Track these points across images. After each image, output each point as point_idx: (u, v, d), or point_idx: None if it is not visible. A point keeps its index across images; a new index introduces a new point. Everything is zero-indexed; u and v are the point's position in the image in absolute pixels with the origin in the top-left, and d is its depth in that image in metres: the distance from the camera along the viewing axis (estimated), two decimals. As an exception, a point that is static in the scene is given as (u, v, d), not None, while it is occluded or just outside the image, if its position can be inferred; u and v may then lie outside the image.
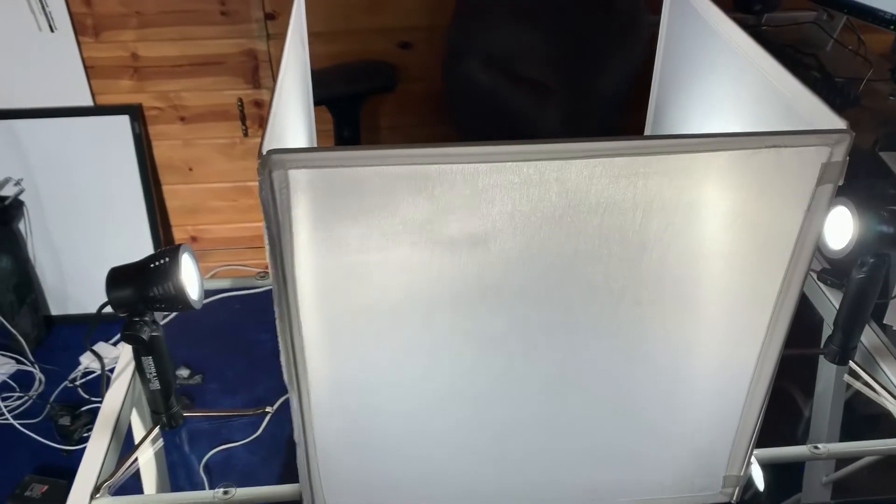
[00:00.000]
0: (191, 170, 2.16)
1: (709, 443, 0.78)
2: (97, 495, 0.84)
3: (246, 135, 2.11)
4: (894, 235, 0.87)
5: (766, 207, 0.63)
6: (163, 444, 0.92)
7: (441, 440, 0.74)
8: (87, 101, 2.00)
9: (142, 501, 0.85)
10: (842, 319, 0.98)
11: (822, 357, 1.03)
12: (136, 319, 0.83)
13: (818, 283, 1.13)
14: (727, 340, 0.70)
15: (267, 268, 0.62)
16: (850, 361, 1.00)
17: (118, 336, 1.06)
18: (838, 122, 0.61)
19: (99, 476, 0.87)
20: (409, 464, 0.75)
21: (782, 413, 1.09)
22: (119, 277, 0.80)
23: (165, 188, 2.17)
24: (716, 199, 0.62)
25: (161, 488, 0.98)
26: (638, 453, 0.78)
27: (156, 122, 2.08)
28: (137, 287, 0.80)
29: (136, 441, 0.94)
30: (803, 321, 1.15)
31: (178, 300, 0.80)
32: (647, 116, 1.08)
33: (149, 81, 2.02)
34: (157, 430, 0.91)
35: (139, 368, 0.86)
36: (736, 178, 0.61)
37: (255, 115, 2.09)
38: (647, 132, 1.10)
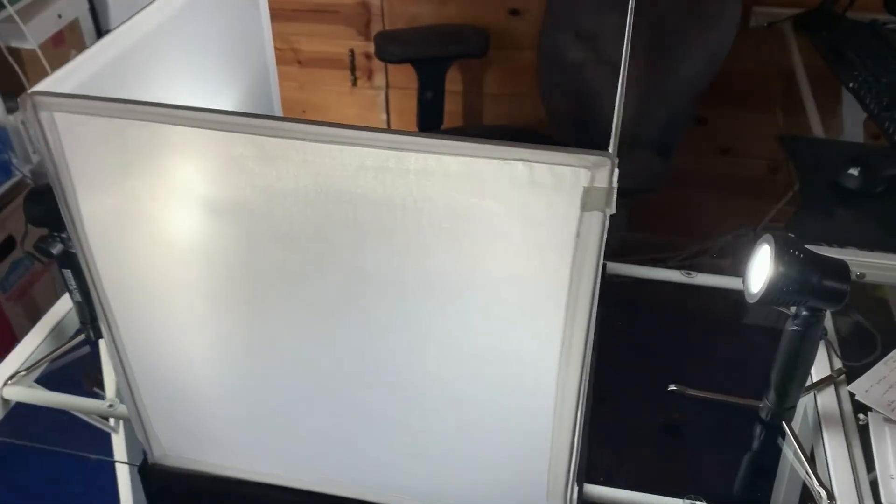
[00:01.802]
0: (304, 112, 2.27)
1: (523, 465, 0.73)
2: (10, 381, 0.95)
3: (354, 85, 2.18)
4: (813, 285, 0.75)
5: (535, 225, 0.57)
6: (88, 350, 1.02)
7: (236, 408, 0.76)
8: (217, 35, 2.17)
9: (43, 397, 0.95)
10: (774, 376, 0.86)
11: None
12: (55, 234, 0.91)
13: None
14: (516, 360, 0.65)
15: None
16: (785, 423, 0.88)
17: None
18: (610, 146, 0.54)
19: (21, 366, 0.98)
20: (214, 425, 0.78)
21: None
22: (34, 193, 0.89)
23: (280, 125, 2.30)
24: (471, 206, 0.57)
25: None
26: (449, 459, 0.75)
27: (277, 63, 2.20)
28: (49, 203, 0.88)
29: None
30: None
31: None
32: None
33: (273, 23, 2.14)
34: (81, 337, 1.01)
35: (62, 279, 0.95)
36: (490, 189, 0.56)
37: (364, 67, 2.15)
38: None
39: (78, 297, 0.96)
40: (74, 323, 1.06)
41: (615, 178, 0.53)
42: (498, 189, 0.56)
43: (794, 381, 0.85)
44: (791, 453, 0.87)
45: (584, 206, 0.55)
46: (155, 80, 0.78)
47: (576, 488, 0.73)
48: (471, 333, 0.64)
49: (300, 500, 0.81)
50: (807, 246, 1.15)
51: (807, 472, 0.84)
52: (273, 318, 0.69)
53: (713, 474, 0.92)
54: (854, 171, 1.22)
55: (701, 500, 0.81)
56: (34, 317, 2.08)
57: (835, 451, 0.85)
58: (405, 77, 2.12)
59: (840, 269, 0.76)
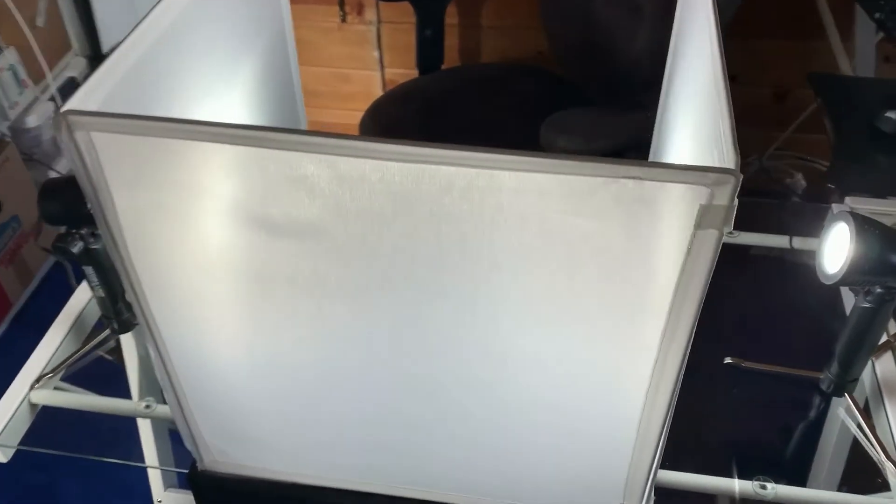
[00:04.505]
0: (292, 50, 2.16)
1: (601, 469, 0.70)
2: (37, 385, 0.90)
3: (344, 21, 2.07)
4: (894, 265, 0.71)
5: (638, 242, 0.52)
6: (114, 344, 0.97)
7: (288, 417, 0.72)
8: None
9: (74, 400, 0.90)
10: (840, 349, 0.83)
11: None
12: (73, 232, 0.85)
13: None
14: (604, 377, 0.62)
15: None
16: (847, 395, 0.86)
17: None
18: (730, 159, 0.49)
19: (46, 367, 0.92)
20: (266, 432, 0.74)
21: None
22: (49, 191, 0.82)
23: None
24: (567, 224, 0.52)
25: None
26: (519, 465, 0.72)
27: (260, -1, 2.08)
28: (67, 202, 0.81)
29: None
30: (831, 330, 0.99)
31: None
32: (661, 96, 0.94)
33: (253, -44, 2.00)
34: (106, 333, 0.95)
35: (84, 275, 0.89)
36: (590, 206, 0.51)
37: (353, 2, 2.04)
38: (658, 112, 0.96)
39: (101, 292, 0.90)
40: (92, 317, 1.01)
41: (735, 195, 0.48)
42: (599, 206, 0.51)
43: (860, 354, 0.83)
44: (854, 426, 0.86)
45: (699, 225, 0.50)
46: (180, 68, 0.70)
47: (653, 492, 0.71)
48: (559, 349, 0.60)
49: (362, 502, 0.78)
50: (847, 197, 1.12)
51: (873, 447, 0.83)
52: (335, 331, 0.64)
53: (771, 449, 0.90)
54: (892, 115, 1.17)
55: (770, 482, 0.80)
56: (25, 279, 2.01)
57: (900, 423, 0.84)
58: (397, 11, 2.02)
59: (922, 248, 0.72)
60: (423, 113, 1.65)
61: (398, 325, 0.62)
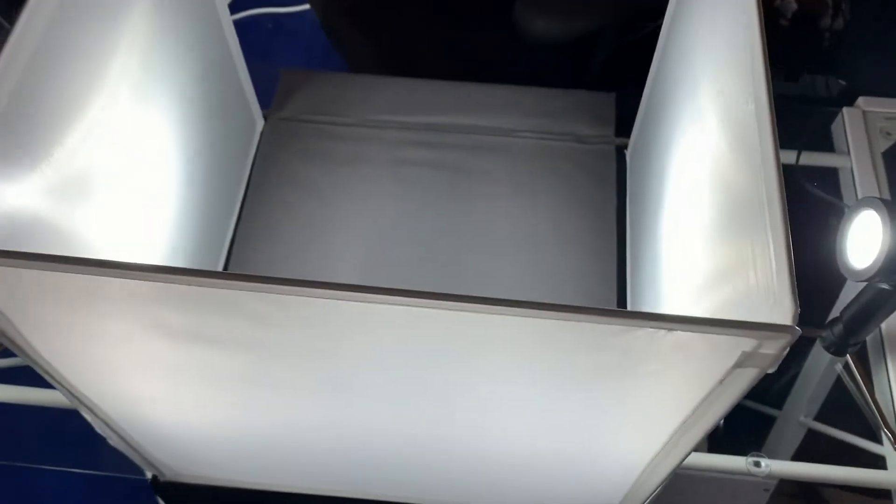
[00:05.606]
0: None
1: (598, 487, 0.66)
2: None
3: None
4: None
5: (660, 376, 0.43)
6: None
7: (259, 459, 0.66)
8: None
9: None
10: (848, 316, 0.77)
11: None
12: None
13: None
14: (608, 456, 0.55)
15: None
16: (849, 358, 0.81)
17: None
18: (786, 310, 0.38)
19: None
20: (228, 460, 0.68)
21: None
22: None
23: None
24: (570, 361, 0.43)
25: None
26: (509, 480, 0.68)
27: None
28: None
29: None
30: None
31: None
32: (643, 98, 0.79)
33: None
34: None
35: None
36: (605, 345, 0.41)
37: None
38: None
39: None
40: None
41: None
42: (619, 345, 0.41)
43: (869, 325, 0.76)
44: (853, 388, 0.82)
45: (739, 365, 0.41)
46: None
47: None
48: (560, 442, 0.53)
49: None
50: (860, 97, 1.00)
51: (872, 414, 0.79)
52: (299, 405, 0.56)
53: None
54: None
55: (763, 457, 0.77)
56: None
57: (902, 389, 0.80)
58: None
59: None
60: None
61: (366, 412, 0.54)
